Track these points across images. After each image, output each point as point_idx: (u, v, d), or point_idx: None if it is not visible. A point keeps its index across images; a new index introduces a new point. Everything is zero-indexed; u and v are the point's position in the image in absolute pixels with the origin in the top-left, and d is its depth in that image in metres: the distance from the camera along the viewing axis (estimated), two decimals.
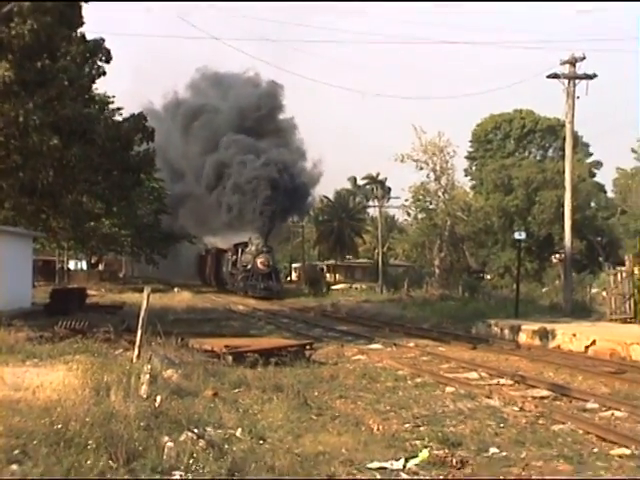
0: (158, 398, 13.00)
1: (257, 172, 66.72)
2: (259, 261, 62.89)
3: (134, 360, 16.17)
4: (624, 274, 41.20)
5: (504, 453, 11.78)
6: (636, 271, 40.32)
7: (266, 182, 65.74)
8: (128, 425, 10.63)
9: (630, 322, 35.64)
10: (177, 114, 79.17)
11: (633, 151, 63.53)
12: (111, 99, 31.08)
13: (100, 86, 29.63)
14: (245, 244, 66.29)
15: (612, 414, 15.55)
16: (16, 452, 9.44)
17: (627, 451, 12.04)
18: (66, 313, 31.11)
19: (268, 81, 79.98)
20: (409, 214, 73.05)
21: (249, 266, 63.38)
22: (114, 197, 31.94)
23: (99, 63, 28.48)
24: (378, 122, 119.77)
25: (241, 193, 66.89)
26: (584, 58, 41.78)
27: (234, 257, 67.19)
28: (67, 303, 36.34)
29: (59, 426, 10.36)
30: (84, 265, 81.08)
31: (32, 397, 13.03)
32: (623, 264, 44.72)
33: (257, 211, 65.23)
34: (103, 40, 28.35)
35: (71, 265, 79.09)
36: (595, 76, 41.91)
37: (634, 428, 14.22)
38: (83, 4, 26.76)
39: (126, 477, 8.78)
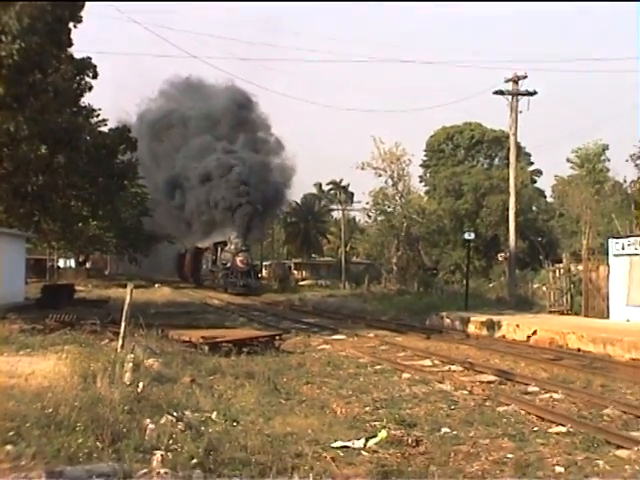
0: (140, 384, 13.03)
1: (236, 178, 65.55)
2: (238, 259, 61.45)
3: (118, 350, 16.17)
4: (562, 271, 41.56)
5: (454, 432, 11.83)
6: (572, 268, 40.71)
7: (244, 185, 64.81)
8: (113, 409, 10.65)
9: (567, 314, 35.97)
10: (146, 120, 77.34)
11: (569, 160, 64.16)
12: (97, 111, 31.11)
13: (88, 99, 29.68)
14: (224, 243, 64.90)
15: (550, 396, 15.69)
16: (10, 434, 9.44)
17: (563, 429, 12.17)
18: (56, 307, 31.11)
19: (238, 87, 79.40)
20: (369, 216, 73.27)
21: (229, 264, 61.94)
22: (100, 201, 32.00)
23: (86, 79, 28.58)
24: (342, 133, 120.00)
25: (221, 196, 65.63)
26: (526, 76, 42.21)
27: (214, 255, 65.99)
28: (57, 298, 36.43)
29: (50, 410, 10.39)
30: (72, 263, 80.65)
31: (25, 384, 13.05)
32: (561, 262, 45.06)
33: (237, 212, 64.18)
34: (90, 58, 28.48)
35: (60, 263, 78.75)
36: (535, 93, 42.31)
37: (569, 408, 14.39)
38: (72, 26, 26.66)
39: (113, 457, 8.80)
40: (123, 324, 17.07)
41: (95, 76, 28.75)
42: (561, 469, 9.79)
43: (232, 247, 62.90)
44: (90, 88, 29.11)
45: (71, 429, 9.55)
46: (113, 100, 60.60)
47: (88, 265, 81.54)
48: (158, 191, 70.96)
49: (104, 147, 29.37)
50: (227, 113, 76.68)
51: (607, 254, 33.68)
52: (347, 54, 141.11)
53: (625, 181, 59.76)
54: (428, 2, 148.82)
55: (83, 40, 28.34)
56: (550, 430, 12.19)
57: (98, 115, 31.31)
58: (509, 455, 10.44)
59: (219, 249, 65.09)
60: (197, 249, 71.14)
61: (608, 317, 32.25)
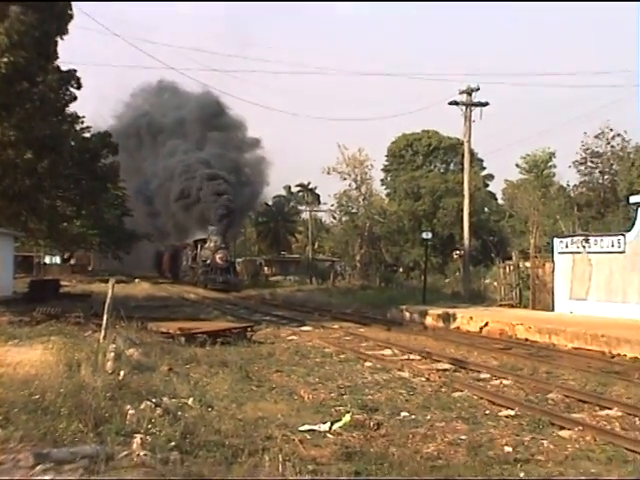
0: (121, 373, 13.04)
1: (215, 183, 64.51)
2: (218, 256, 59.62)
3: (101, 340, 16.17)
4: (511, 267, 41.80)
5: (413, 416, 11.88)
6: (521, 265, 40.99)
7: (224, 186, 63.89)
8: (96, 395, 10.61)
9: (516, 307, 36.20)
10: (122, 124, 75.69)
11: (518, 166, 64.60)
12: (82, 119, 31.23)
13: (73, 108, 29.74)
14: (204, 240, 62.97)
15: (500, 382, 15.80)
16: (0, 418, 9.43)
17: (512, 412, 12.28)
18: (42, 301, 31.07)
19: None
20: (334, 217, 73.46)
21: (208, 261, 59.98)
22: (84, 202, 32.13)
23: (71, 89, 28.64)
24: (309, 139, 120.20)
25: (202, 197, 64.78)
26: (478, 89, 42.49)
27: (194, 252, 64.08)
28: (43, 292, 36.53)
29: (37, 396, 10.39)
30: (58, 260, 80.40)
31: (13, 372, 12.98)
32: (511, 259, 45.36)
33: (216, 211, 62.82)
34: (75, 70, 28.57)
35: (47, 260, 78.45)
36: (487, 104, 42.58)
37: (518, 393, 14.49)
38: (58, 39, 26.76)
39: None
40: (105, 316, 17.09)
41: (79, 86, 28.83)
42: (510, 449, 9.88)
43: (211, 244, 61.01)
44: (74, 98, 29.11)
45: (56, 414, 9.54)
46: (95, 108, 59.93)
47: (73, 262, 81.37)
48: (136, 193, 70.42)
49: (87, 151, 29.59)
50: (199, 116, 76.20)
51: (552, 252, 33.92)
52: (316, 67, 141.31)
53: (569, 185, 60.26)
54: (394, 21, 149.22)
55: (68, 52, 28.49)
56: (500, 413, 12.29)
57: (82, 122, 31.26)
58: (463, 437, 10.49)
59: (199, 246, 63.05)
60: (174, 247, 70.60)
61: (553, 310, 32.50)
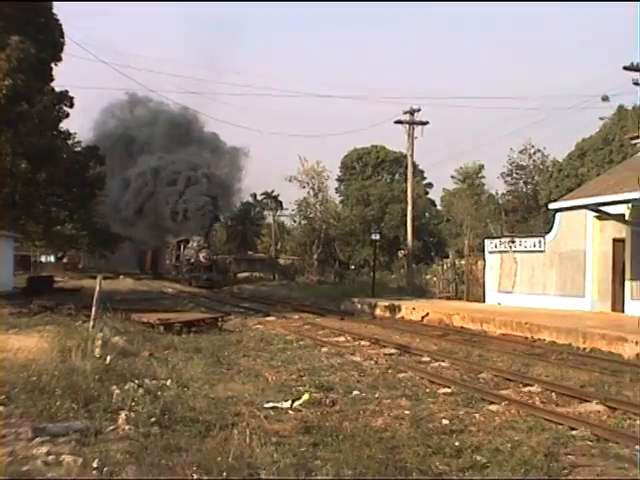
0: (108, 357, 13.01)
1: (197, 189, 62.37)
2: (201, 255, 56.00)
3: (90, 329, 16.07)
4: (448, 265, 42.24)
5: (363, 394, 11.93)
6: (456, 263, 41.35)
7: (205, 190, 61.73)
8: (86, 377, 10.64)
9: (452, 299, 36.49)
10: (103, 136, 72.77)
11: (453, 177, 65.11)
12: (73, 134, 31.48)
13: (65, 124, 29.94)
14: (187, 240, 59.74)
15: (439, 364, 15.90)
16: (2, 397, 9.45)
17: (449, 390, 12.37)
18: (39, 295, 30.99)
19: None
20: (295, 221, 73.55)
21: (192, 259, 56.37)
22: (75, 208, 31.99)
23: (64, 108, 28.82)
24: (273, 153, 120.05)
25: (184, 200, 61.99)
26: (419, 110, 42.69)
27: (177, 252, 61.13)
28: (40, 287, 36.46)
29: (34, 378, 10.35)
30: (52, 259, 79.66)
31: (14, 357, 12.94)
32: (448, 257, 45.82)
33: (198, 213, 60.13)
34: (67, 91, 28.71)
35: (42, 259, 77.66)
36: (427, 123, 42.82)
37: (454, 374, 14.60)
38: (53, 65, 27.46)
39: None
40: (94, 308, 17.01)
41: (71, 105, 29.01)
42: (447, 421, 9.95)
43: (195, 244, 57.83)
44: (67, 115, 29.25)
45: (51, 394, 9.54)
46: (80, 124, 58.65)
47: (65, 260, 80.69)
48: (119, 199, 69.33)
49: (78, 163, 29.75)
50: (168, 132, 75.27)
51: (483, 251, 34.24)
52: (280, 89, 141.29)
53: (497, 193, 60.88)
54: (350, 49, 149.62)
55: (63, 75, 28.85)
56: (439, 391, 12.37)
57: (74, 137, 31.41)
58: (406, 412, 10.55)
59: (182, 246, 60.21)
60: (155, 247, 69.38)
61: (484, 301, 32.80)
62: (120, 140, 71.35)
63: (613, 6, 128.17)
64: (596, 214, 26.46)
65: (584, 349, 18.89)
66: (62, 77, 28.70)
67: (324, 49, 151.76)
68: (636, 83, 33.45)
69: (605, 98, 40.21)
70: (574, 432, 9.40)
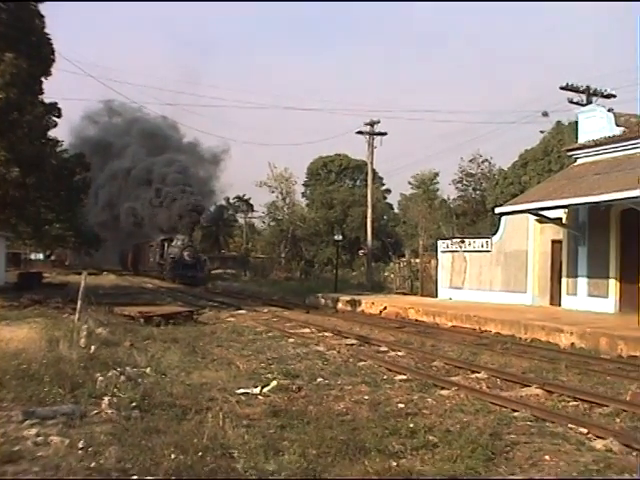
0: (92, 347, 13.00)
1: (182, 193, 60.83)
2: (185, 253, 53.66)
3: (75, 321, 16.04)
4: (405, 263, 42.35)
5: (327, 381, 11.97)
6: (412, 261, 41.52)
7: (188, 194, 60.30)
8: (72, 365, 10.67)
9: (408, 294, 36.59)
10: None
11: (409, 183, 65.26)
12: (61, 142, 31.68)
13: (53, 133, 30.20)
14: (170, 239, 56.55)
15: (396, 354, 16.00)
16: None
17: (404, 377, 12.44)
18: (29, 289, 31.10)
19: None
20: (264, 222, 73.47)
21: (176, 257, 53.55)
22: (62, 210, 32.25)
23: (53, 118, 29.05)
24: (245, 161, 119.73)
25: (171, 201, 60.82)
26: (379, 122, 42.92)
27: (161, 250, 57.65)
28: (29, 282, 36.53)
29: (24, 366, 10.42)
30: (41, 256, 78.92)
31: (5, 346, 12.91)
32: (404, 256, 45.96)
33: (183, 213, 58.20)
34: (56, 103, 28.92)
35: (32, 256, 76.94)
36: (386, 134, 43.08)
37: (409, 362, 14.68)
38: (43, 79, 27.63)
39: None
40: (79, 302, 16.94)
41: (59, 116, 29.29)
42: (402, 405, 10.00)
43: (179, 243, 55.30)
44: (55, 125, 29.51)
45: (40, 380, 9.58)
46: (65, 132, 57.39)
47: (53, 257, 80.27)
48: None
49: (65, 169, 29.86)
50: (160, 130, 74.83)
51: (436, 251, 34.42)
52: (253, 102, 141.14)
53: (449, 198, 61.19)
54: (316, 63, 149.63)
55: (52, 87, 28.81)
56: (395, 378, 12.43)
57: (61, 145, 31.63)
58: (366, 397, 10.59)
59: (166, 245, 57.14)
60: (136, 245, 68.17)
61: (437, 296, 32.97)
62: (98, 146, 70.21)
63: (555, 32, 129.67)
64: (537, 218, 26.77)
65: (525, 339, 19.11)
66: (49, 88, 28.89)
67: (293, 66, 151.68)
68: (571, 101, 34.04)
69: (545, 114, 40.82)
70: (516, 414, 9.51)
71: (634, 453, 7.72)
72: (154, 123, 77.05)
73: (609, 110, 26.15)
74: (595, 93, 34.04)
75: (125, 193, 68.52)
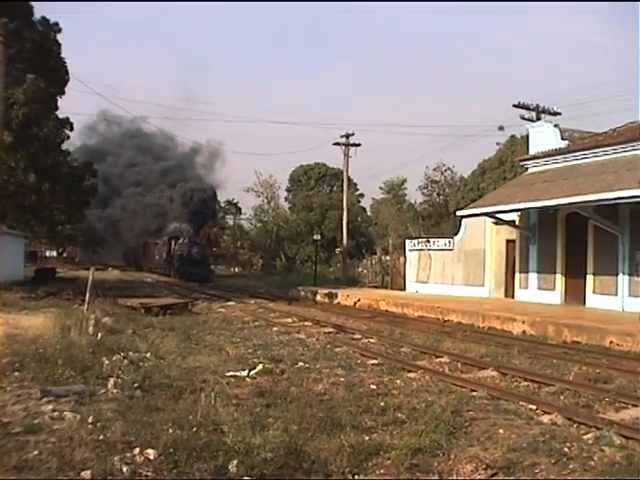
0: (99, 334, 13.03)
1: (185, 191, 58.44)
2: (193, 251, 49.91)
3: (84, 311, 16.01)
4: (376, 260, 42.51)
5: (307, 365, 12.00)
6: (383, 258, 41.67)
7: (196, 195, 57.15)
8: (82, 350, 10.71)
9: (379, 288, 36.73)
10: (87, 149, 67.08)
11: (381, 188, 65.37)
12: (72, 152, 32.15)
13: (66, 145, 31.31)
14: (177, 237, 52.71)
15: (368, 340, 16.06)
16: (16, 365, 9.69)
17: (376, 361, 12.52)
18: (44, 283, 31.49)
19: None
20: (251, 223, 73.30)
21: (184, 255, 49.73)
22: (73, 212, 32.64)
23: (66, 131, 30.03)
24: (234, 168, 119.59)
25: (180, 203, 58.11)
26: (353, 134, 43.07)
27: (168, 248, 53.30)
28: (44, 277, 36.78)
29: (41, 350, 10.44)
30: (54, 253, 78.54)
31: (25, 333, 13.07)
32: (376, 254, 46.09)
33: (190, 212, 55.34)
34: (69, 118, 29.92)
35: (47, 253, 76.52)
36: (360, 145, 43.24)
37: (380, 348, 14.76)
38: (58, 97, 29.01)
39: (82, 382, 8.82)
40: (87, 294, 16.90)
41: (72, 129, 30.58)
42: (374, 386, 10.06)
43: (186, 240, 51.18)
44: (68, 138, 30.65)
45: (55, 363, 9.64)
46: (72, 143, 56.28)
47: (65, 255, 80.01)
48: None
49: (76, 176, 30.51)
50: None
51: (404, 249, 34.59)
52: (240, 116, 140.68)
53: (416, 202, 61.38)
54: (297, 80, 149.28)
55: (66, 104, 30.17)
56: (368, 362, 12.49)
57: (72, 155, 32.23)
58: (342, 379, 10.63)
59: (172, 242, 52.74)
60: (138, 244, 66.94)
61: (405, 289, 33.14)
62: (94, 154, 68.70)
63: (508, 55, 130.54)
64: (493, 220, 27.00)
65: (483, 328, 19.27)
66: (66, 106, 30.17)
67: (277, 84, 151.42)
68: (523, 118, 34.38)
69: (501, 128, 41.10)
70: (474, 393, 9.62)
71: (575, 425, 7.87)
72: (151, 134, 76.27)
73: (555, 126, 26.39)
74: (543, 111, 34.41)
75: (128, 194, 67.27)
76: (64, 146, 30.96)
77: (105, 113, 73.62)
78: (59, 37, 28.66)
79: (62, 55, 28.76)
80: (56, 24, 28.38)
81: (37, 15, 27.85)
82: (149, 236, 61.90)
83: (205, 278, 46.95)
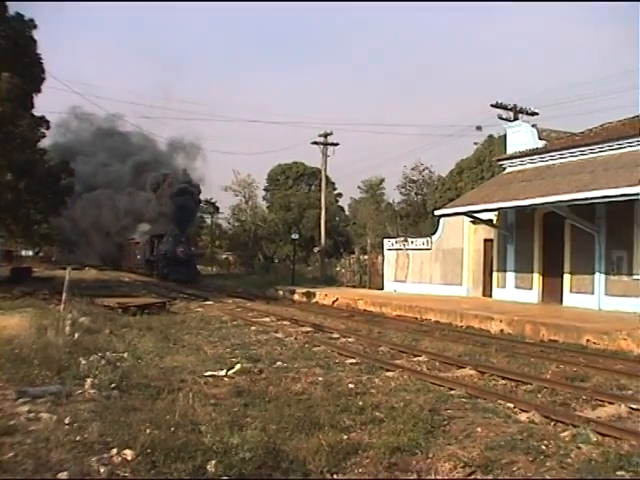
0: (76, 334, 12.94)
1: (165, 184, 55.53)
2: (179, 250, 46.48)
3: (61, 311, 15.91)
4: (354, 259, 42.56)
5: (285, 364, 12.00)
6: (361, 257, 41.77)
7: (181, 189, 52.51)
8: (58, 350, 10.64)
9: (357, 287, 36.81)
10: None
11: (359, 187, 65.56)
12: (48, 151, 31.68)
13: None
14: (161, 235, 49.54)
15: (346, 340, 16.08)
16: None
17: (354, 360, 12.54)
18: (20, 282, 31.28)
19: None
20: (229, 223, 73.11)
21: (168, 254, 46.44)
22: (49, 211, 32.27)
23: (42, 130, 29.42)
24: (212, 168, 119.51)
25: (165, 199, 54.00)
26: (331, 133, 43.20)
27: (151, 247, 50.54)
28: (20, 276, 36.57)
29: (17, 351, 10.39)
30: (30, 253, 77.82)
31: (0, 333, 12.88)
32: (354, 253, 46.19)
33: (175, 209, 50.50)
34: (44, 117, 29.31)
35: (23, 253, 75.80)
36: (338, 144, 43.34)
37: (358, 347, 14.78)
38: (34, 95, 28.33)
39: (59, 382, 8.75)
40: (64, 294, 16.80)
41: (48, 128, 29.90)
42: (352, 385, 10.08)
43: (171, 239, 47.79)
44: (44, 136, 30.08)
45: (31, 363, 9.58)
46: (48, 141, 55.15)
47: (41, 254, 79.38)
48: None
49: (52, 175, 29.96)
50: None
51: (383, 248, 34.70)
52: (219, 115, 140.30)
53: (394, 202, 61.62)
54: (278, 80, 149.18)
55: (41, 102, 30.01)
56: (346, 361, 12.51)
57: (48, 154, 31.68)
58: (320, 378, 10.64)
59: (156, 241, 49.73)
60: (116, 243, 66.31)
61: (383, 289, 33.25)
62: (66, 152, 67.51)
63: (487, 55, 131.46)
64: (471, 219, 27.17)
65: (461, 327, 19.39)
66: (42, 104, 29.49)
67: (256, 83, 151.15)
68: (500, 117, 34.63)
69: (478, 128, 41.37)
70: (452, 392, 9.67)
71: (552, 423, 7.95)
72: (127, 133, 75.14)
73: (533, 126, 26.64)
74: (521, 111, 34.66)
75: (106, 194, 66.17)
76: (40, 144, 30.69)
77: (75, 110, 72.53)
78: (35, 34, 28.25)
79: (38, 52, 28.24)
80: (31, 20, 27.83)
81: (11, 12, 27.42)
82: (127, 233, 61.23)
83: (192, 279, 44.75)
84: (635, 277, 20.27)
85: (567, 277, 22.56)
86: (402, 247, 32.45)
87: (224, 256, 71.19)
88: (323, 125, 79.76)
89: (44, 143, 31.25)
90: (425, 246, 30.87)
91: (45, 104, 31.11)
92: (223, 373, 10.72)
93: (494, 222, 26.03)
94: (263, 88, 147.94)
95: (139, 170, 65.89)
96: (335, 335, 17.04)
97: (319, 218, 46.14)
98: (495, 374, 11.27)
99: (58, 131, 72.26)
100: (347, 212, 73.22)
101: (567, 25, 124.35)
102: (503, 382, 10.74)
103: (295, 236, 44.59)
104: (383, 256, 34.43)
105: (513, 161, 26.09)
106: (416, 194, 58.95)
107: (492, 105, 34.80)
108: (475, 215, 26.04)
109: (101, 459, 5.78)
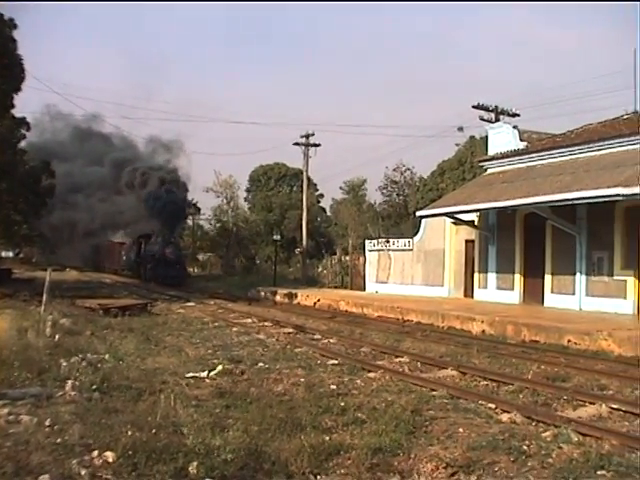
0: (57, 336, 12.91)
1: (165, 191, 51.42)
2: (167, 251, 44.61)
3: (42, 312, 15.85)
4: (336, 260, 42.66)
5: (267, 365, 11.99)
6: (343, 258, 41.85)
7: (167, 191, 50.16)
8: (39, 352, 10.60)
9: (339, 288, 36.91)
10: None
11: (341, 188, 65.60)
12: (28, 152, 31.46)
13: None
14: (149, 236, 47.83)
15: (328, 341, 16.10)
16: None
17: (336, 361, 12.55)
18: (0, 284, 30.91)
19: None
20: (211, 224, 72.87)
21: (157, 255, 44.67)
22: (30, 212, 32.22)
23: (22, 131, 29.56)
24: (193, 168, 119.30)
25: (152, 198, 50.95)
26: (313, 134, 43.32)
27: (137, 248, 49.05)
28: (0, 278, 36.14)
29: None
30: (10, 254, 77.10)
31: None
32: (335, 254, 46.26)
33: (163, 208, 47.62)
34: (25, 118, 29.65)
35: (2, 254, 75.06)
36: (319, 145, 43.53)
37: (340, 348, 14.82)
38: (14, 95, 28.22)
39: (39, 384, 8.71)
40: (45, 295, 16.73)
41: (28, 129, 30.20)
42: (334, 386, 10.09)
43: (159, 239, 46.14)
44: (24, 137, 30.10)
45: (10, 365, 9.48)
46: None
47: (21, 255, 78.76)
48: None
49: (32, 176, 30.05)
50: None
51: (364, 249, 34.79)
52: (200, 116, 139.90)
53: (375, 203, 61.70)
54: (258, 81, 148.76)
55: (22, 103, 29.33)
56: (328, 362, 12.52)
57: (28, 154, 31.52)
58: (302, 379, 10.63)
59: (143, 242, 48.16)
60: (98, 244, 65.61)
61: (365, 290, 33.32)
62: (41, 151, 66.37)
63: (468, 58, 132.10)
64: (452, 220, 27.31)
65: (443, 327, 19.47)
66: (22, 104, 29.58)
67: (238, 84, 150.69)
68: (482, 119, 34.89)
69: (460, 129, 41.52)
70: (434, 392, 9.70)
71: (534, 423, 8.02)
72: (107, 133, 74.14)
73: (514, 127, 26.84)
74: (502, 112, 34.95)
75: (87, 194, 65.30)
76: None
77: (50, 109, 71.39)
78: (15, 34, 27.96)
79: (19, 52, 28.06)
80: (11, 20, 27.58)
81: None
82: (108, 234, 60.66)
83: (182, 281, 43.18)
84: (616, 278, 20.49)
85: (548, 278, 22.75)
86: (384, 248, 32.54)
87: (205, 256, 70.89)
88: (305, 126, 79.85)
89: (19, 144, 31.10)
90: (407, 247, 30.98)
91: (26, 105, 31.09)
92: (205, 374, 10.69)
93: (475, 223, 26.18)
94: (245, 89, 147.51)
95: (119, 168, 64.90)
96: (317, 336, 17.05)
97: (301, 219, 46.18)
98: (477, 375, 11.34)
99: (34, 131, 71.42)
100: (329, 213, 73.25)
101: (550, 26, 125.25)
102: (485, 383, 10.81)
103: (277, 237, 44.54)
104: (365, 257, 34.52)
105: (494, 162, 26.27)
106: (398, 195, 59.05)
107: (474, 106, 35.06)
108: (456, 216, 26.18)
109: (82, 461, 5.74)
